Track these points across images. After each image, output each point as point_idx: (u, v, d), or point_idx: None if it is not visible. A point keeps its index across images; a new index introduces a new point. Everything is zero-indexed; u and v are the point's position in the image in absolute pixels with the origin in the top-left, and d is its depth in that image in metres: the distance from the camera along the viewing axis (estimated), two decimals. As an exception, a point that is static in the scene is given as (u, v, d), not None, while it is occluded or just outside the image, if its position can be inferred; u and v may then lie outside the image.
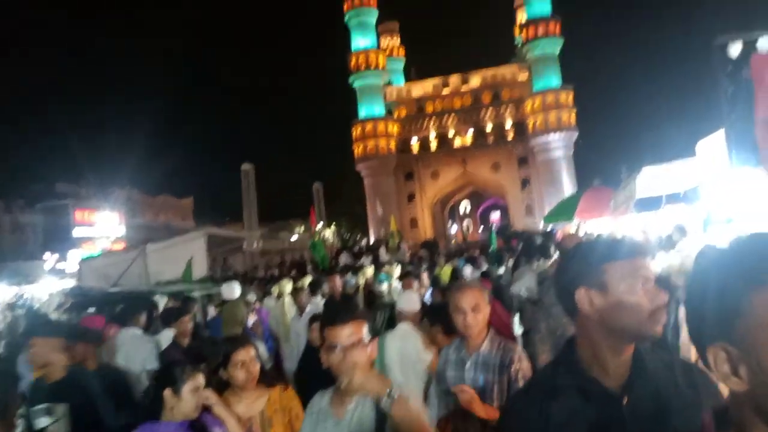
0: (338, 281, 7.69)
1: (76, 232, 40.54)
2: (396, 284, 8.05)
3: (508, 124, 53.97)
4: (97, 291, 9.48)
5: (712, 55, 5.43)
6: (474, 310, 2.75)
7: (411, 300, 4.55)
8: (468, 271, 8.59)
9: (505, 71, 54.97)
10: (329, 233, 38.95)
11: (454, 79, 55.57)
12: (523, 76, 53.62)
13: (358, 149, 54.66)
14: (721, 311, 0.78)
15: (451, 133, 55.00)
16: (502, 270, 9.29)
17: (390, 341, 3.88)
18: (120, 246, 28.90)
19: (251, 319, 6.77)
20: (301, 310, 6.97)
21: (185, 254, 16.35)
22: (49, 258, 31.14)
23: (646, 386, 1.31)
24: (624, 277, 1.30)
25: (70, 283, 18.83)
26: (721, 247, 0.85)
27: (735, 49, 5.50)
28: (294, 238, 41.44)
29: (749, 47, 5.48)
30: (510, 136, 53.65)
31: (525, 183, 53.60)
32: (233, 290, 6.91)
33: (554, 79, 51.59)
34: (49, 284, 20.17)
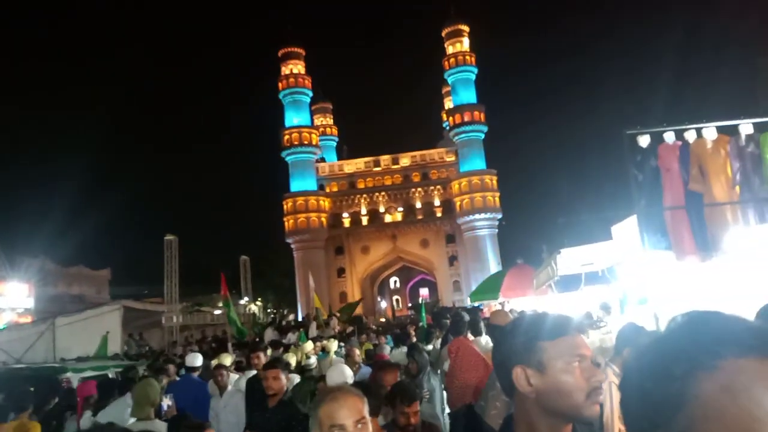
0: (263, 358, 7.36)
1: (-22, 304, 37.39)
2: (334, 358, 7.92)
3: (437, 202, 55.53)
4: (15, 368, 8.65)
5: (623, 145, 5.86)
6: (359, 423, 1.91)
7: (342, 373, 4.52)
8: (387, 349, 8.59)
9: (434, 153, 57.16)
10: (255, 308, 37.82)
11: (386, 159, 57.14)
12: (450, 158, 55.82)
13: (289, 222, 54.43)
14: (661, 401, 0.66)
15: (381, 209, 55.89)
16: (430, 347, 9.26)
17: None
18: (27, 319, 26.81)
19: (165, 402, 6.23)
20: (221, 389, 6.60)
21: (98, 328, 15.48)
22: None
23: None
24: (561, 355, 1.26)
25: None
26: (659, 330, 0.82)
27: (644, 140, 5.98)
28: (217, 312, 39.94)
29: (656, 138, 5.98)
30: (438, 214, 55.08)
31: (452, 259, 54.66)
32: (195, 359, 6.69)
33: (479, 162, 54.01)
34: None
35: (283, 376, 4.37)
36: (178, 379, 7.44)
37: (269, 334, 15.98)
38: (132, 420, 4.88)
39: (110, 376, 7.76)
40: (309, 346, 9.38)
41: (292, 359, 8.27)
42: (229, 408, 6.15)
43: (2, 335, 15.05)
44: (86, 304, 31.09)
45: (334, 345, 9.46)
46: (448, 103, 59.13)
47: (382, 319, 53.47)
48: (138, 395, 5.20)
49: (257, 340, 15.42)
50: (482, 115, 54.56)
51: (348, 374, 4.71)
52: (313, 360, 7.98)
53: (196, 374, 7.03)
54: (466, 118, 54.00)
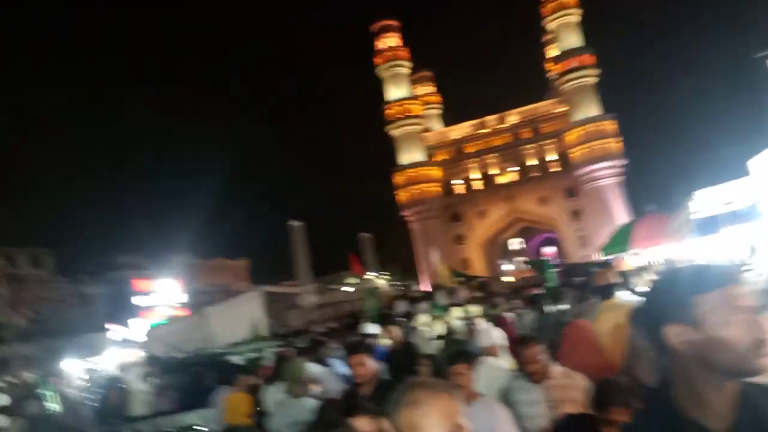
0: (394, 331, 7.59)
1: (139, 302, 41.82)
2: (480, 323, 8.04)
3: (552, 156, 53.56)
4: (181, 357, 9.87)
5: (755, 69, 5.39)
6: None
7: (490, 336, 4.90)
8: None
9: (543, 106, 54.98)
10: (383, 282, 38.90)
11: (492, 119, 55.89)
12: (561, 108, 53.45)
13: (402, 195, 55.09)
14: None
15: (494, 171, 54.91)
16: (564, 306, 9.08)
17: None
18: (183, 312, 29.65)
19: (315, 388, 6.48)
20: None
21: (244, 314, 16.73)
22: (113, 328, 32.14)
23: (756, 426, 1.19)
24: (718, 309, 1.19)
25: (134, 353, 19.39)
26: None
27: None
28: (348, 290, 41.58)
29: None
30: (555, 169, 53.14)
31: (575, 214, 52.64)
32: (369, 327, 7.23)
33: (594, 109, 51.21)
34: (114, 355, 20.77)
35: (369, 361, 4.00)
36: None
37: (401, 306, 16.40)
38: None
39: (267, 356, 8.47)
40: (455, 312, 9.55)
41: (438, 327, 8.48)
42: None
43: (164, 328, 16.75)
44: (230, 293, 33.66)
45: (476, 309, 9.57)
46: (553, 52, 56.38)
47: (507, 281, 52.98)
48: (288, 374, 5.62)
49: (388, 313, 15.91)
50: (592, 59, 51.52)
51: (496, 336, 4.90)
52: (460, 325, 8.14)
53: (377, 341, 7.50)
54: (575, 64, 51.29)
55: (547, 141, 53.80)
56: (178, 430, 7.22)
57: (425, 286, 45.93)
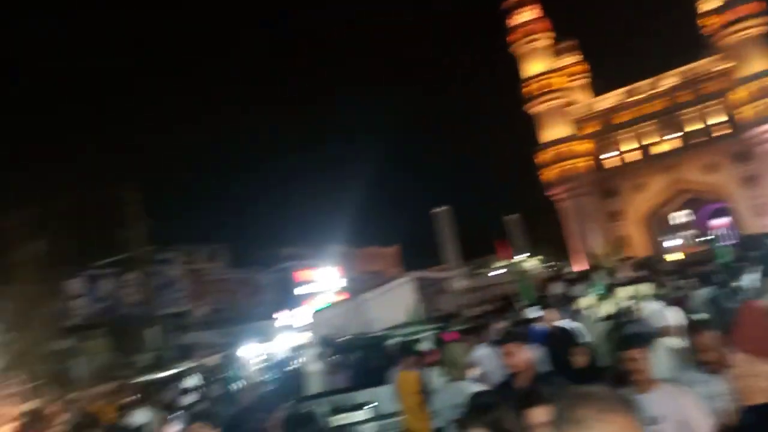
0: (552, 315, 7.35)
1: (301, 290, 44.90)
2: (650, 304, 7.65)
3: (716, 120, 48.46)
4: (349, 339, 10.67)
5: None
6: None
7: (664, 317, 4.61)
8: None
9: (702, 65, 49.84)
10: (533, 263, 37.94)
11: (645, 85, 51.81)
12: (723, 65, 48.11)
13: (548, 174, 53.15)
14: None
15: (651, 140, 50.96)
16: (743, 282, 8.26)
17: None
18: (343, 297, 31.38)
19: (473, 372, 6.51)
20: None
21: (398, 299, 17.29)
22: (280, 316, 34.80)
23: None
24: None
25: (300, 338, 20.87)
26: None
27: None
28: (496, 273, 41.18)
29: None
30: (720, 132, 48.05)
31: (749, 181, 47.22)
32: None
33: (762, 63, 45.45)
34: (283, 340, 22.54)
35: (522, 351, 3.68)
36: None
37: (557, 287, 15.98)
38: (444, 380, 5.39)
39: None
40: (623, 292, 9.12)
41: (605, 308, 8.20)
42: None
43: (328, 312, 17.84)
44: (384, 279, 34.87)
45: (645, 289, 9.06)
46: (707, 5, 50.74)
47: (672, 259, 49.07)
48: (447, 357, 5.74)
49: (544, 295, 15.54)
50: (759, 6, 45.68)
51: (669, 317, 4.70)
52: (629, 305, 7.76)
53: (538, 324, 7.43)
54: (738, 14, 45.82)
55: (711, 102, 48.72)
56: (352, 407, 7.76)
57: (579, 266, 44.11)
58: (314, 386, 7.82)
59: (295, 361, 15.04)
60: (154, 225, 27.55)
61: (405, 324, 12.59)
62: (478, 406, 2.36)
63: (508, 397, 3.20)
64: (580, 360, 4.77)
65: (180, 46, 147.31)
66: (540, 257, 46.21)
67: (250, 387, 9.73)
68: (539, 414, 2.28)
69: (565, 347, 6.45)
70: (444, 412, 4.52)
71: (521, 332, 5.43)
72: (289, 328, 27.91)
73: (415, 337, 8.74)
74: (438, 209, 30.19)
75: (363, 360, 8.95)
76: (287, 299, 42.57)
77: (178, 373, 18.11)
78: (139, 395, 14.02)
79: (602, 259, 17.22)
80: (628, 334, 3.67)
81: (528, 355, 3.59)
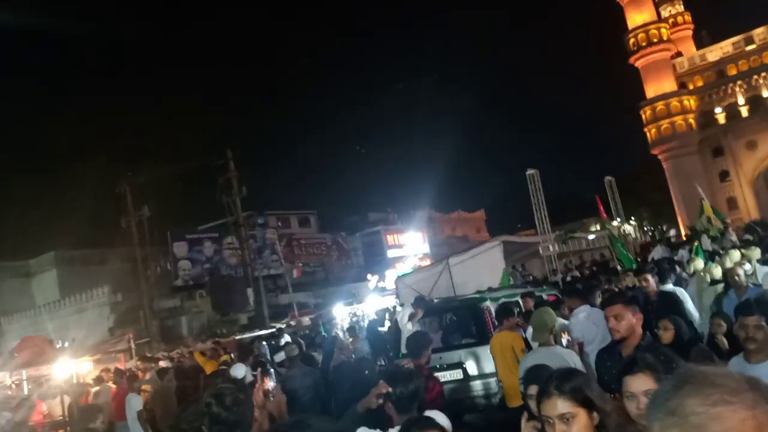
0: (651, 281, 6.97)
1: (389, 254, 45.56)
2: (762, 268, 7.21)
3: None
4: (440, 302, 10.84)
5: None
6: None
7: None
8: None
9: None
10: (629, 228, 36.24)
11: (760, 32, 47.08)
12: None
13: (651, 132, 50.09)
14: None
15: (766, 94, 46.55)
16: None
17: None
18: (427, 262, 31.55)
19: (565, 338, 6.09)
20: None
21: (484, 263, 17.13)
22: (371, 279, 35.53)
23: None
24: None
25: (389, 300, 21.24)
26: None
27: None
28: (591, 237, 39.68)
29: None
30: None
31: None
32: None
33: None
34: (373, 301, 23.02)
35: (628, 314, 3.35)
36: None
37: (658, 251, 15.25)
38: (534, 344, 5.30)
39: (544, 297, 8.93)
40: (736, 255, 8.51)
41: (717, 271, 7.73)
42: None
43: (411, 277, 18.00)
44: (470, 243, 34.66)
45: (756, 253, 8.39)
46: None
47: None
48: (536, 322, 5.62)
49: (639, 260, 14.85)
50: None
51: None
52: (747, 269, 7.24)
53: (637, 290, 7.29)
54: None
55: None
56: (448, 366, 7.97)
57: (685, 229, 41.65)
58: None
59: (387, 322, 15.35)
60: (251, 192, 28.75)
61: (499, 288, 12.59)
62: (560, 375, 2.22)
63: (612, 363, 3.31)
64: (664, 336, 4.50)
65: (273, 14, 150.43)
66: (639, 221, 44.04)
67: (343, 346, 10.08)
68: (642, 382, 2.14)
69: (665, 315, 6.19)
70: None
71: (628, 295, 5.21)
72: (379, 290, 28.46)
73: (512, 299, 8.70)
74: (529, 171, 29.32)
75: (458, 321, 9.12)
76: (377, 262, 43.38)
77: (274, 331, 19.00)
78: (237, 352, 14.98)
79: (709, 221, 16.06)
80: (748, 300, 3.39)
81: (634, 320, 3.35)
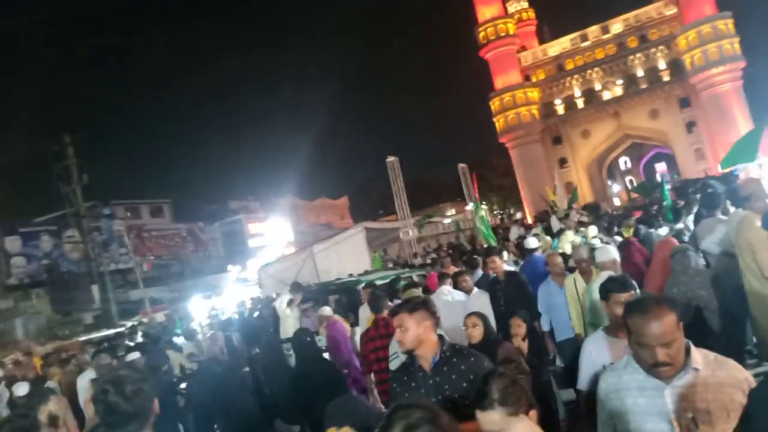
0: (498, 262, 7.27)
1: (251, 243, 44.31)
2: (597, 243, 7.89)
3: (662, 65, 49.24)
4: (317, 286, 11.03)
5: None
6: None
7: (608, 252, 4.95)
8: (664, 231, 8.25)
9: (650, 10, 50.18)
10: (482, 212, 38.49)
11: (593, 31, 51.92)
12: (670, 11, 48.61)
13: (499, 122, 53.35)
14: None
15: (598, 87, 51.54)
16: (681, 225, 8.39)
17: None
18: (291, 250, 31.05)
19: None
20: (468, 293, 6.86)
21: (348, 250, 17.15)
22: (232, 269, 34.31)
23: None
24: None
25: (252, 291, 20.57)
26: None
27: None
28: (447, 221, 41.52)
29: None
30: (666, 78, 48.94)
31: (691, 126, 48.57)
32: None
33: (707, 8, 46.07)
34: (234, 293, 22.19)
35: (413, 323, 2.95)
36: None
37: (515, 232, 16.26)
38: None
39: (415, 279, 9.37)
40: (592, 231, 9.65)
41: (567, 246, 8.59)
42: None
43: (274, 266, 17.55)
44: (333, 230, 34.68)
45: (592, 230, 9.53)
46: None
47: (617, 204, 50.57)
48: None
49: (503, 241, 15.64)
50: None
51: (613, 253, 4.89)
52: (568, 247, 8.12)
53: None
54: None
55: (656, 48, 49.38)
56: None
57: (531, 213, 44.99)
58: (290, 329, 7.94)
59: (255, 312, 14.82)
60: (95, 180, 26.39)
61: (373, 270, 12.80)
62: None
63: (414, 381, 2.98)
64: (473, 333, 4.63)
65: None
66: (489, 205, 46.79)
67: (216, 338, 9.73)
68: (494, 419, 2.14)
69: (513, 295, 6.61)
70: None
71: (415, 301, 5.36)
72: (241, 281, 27.52)
73: (384, 282, 9.06)
74: (388, 158, 29.88)
75: (336, 305, 9.14)
76: (239, 252, 41.99)
77: (123, 330, 17.66)
78: (83, 355, 13.62)
79: (554, 204, 17.50)
80: (622, 277, 3.45)
81: (420, 329, 2.97)
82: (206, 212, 47.37)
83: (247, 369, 7.15)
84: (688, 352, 2.21)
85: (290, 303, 8.77)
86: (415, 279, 9.86)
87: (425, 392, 2.83)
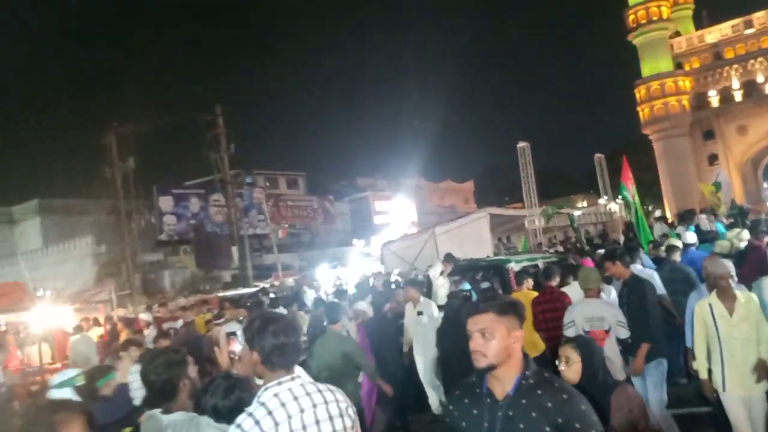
0: (619, 264, 7.19)
1: (376, 220, 45.61)
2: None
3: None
4: (467, 261, 11.44)
5: None
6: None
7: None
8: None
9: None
10: (615, 207, 36.52)
11: (761, 16, 46.73)
12: None
13: (644, 112, 49.97)
14: None
15: (760, 79, 46.49)
16: None
17: None
18: (414, 230, 31.59)
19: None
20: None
21: (470, 234, 17.17)
22: (357, 243, 35.59)
23: None
24: None
25: (375, 265, 21.27)
26: None
27: None
28: (577, 213, 39.92)
29: None
30: None
31: None
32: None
33: None
34: (358, 266, 23.05)
35: (503, 329, 2.21)
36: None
37: (659, 228, 15.52)
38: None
39: (540, 265, 9.46)
40: (745, 235, 9.33)
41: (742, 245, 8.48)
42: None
43: (397, 244, 18.00)
44: (457, 214, 34.72)
45: (745, 235, 9.34)
46: None
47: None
48: (586, 274, 6.02)
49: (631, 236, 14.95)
50: None
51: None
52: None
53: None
54: None
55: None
56: None
57: (671, 209, 42.05)
58: (440, 297, 8.78)
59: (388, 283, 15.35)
60: (239, 150, 28.43)
61: (521, 252, 13.31)
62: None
63: (478, 409, 2.35)
64: (568, 372, 4.54)
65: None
66: (623, 200, 44.14)
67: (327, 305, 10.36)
68: None
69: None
70: (578, 322, 5.25)
71: (506, 301, 5.43)
72: (364, 255, 28.50)
73: (531, 263, 9.42)
74: (519, 144, 29.22)
75: (482, 280, 9.83)
76: (364, 228, 43.43)
77: (257, 290, 19.02)
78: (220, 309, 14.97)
79: (705, 202, 16.37)
80: None
81: (510, 339, 2.80)
82: (336, 187, 49.39)
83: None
84: None
85: (442, 273, 9.45)
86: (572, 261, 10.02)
87: (488, 427, 2.16)
